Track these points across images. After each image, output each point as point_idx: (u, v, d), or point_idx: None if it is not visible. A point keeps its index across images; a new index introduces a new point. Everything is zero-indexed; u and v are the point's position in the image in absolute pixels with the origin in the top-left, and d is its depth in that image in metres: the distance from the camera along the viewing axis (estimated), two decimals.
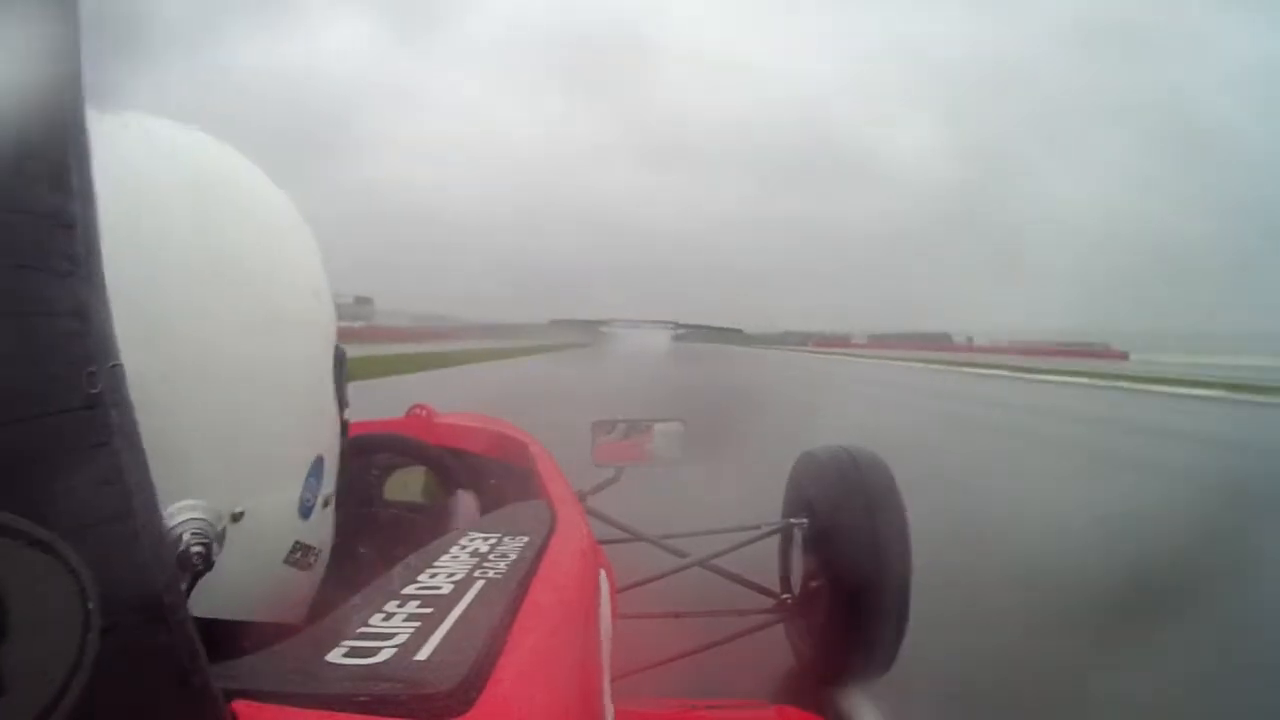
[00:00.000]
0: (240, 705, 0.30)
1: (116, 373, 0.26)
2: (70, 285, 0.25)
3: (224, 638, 0.39)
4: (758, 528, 1.95)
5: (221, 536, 0.43)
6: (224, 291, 0.45)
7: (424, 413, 1.46)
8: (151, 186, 0.43)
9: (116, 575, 0.24)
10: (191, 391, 0.42)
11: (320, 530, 0.54)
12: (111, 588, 0.24)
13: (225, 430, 0.44)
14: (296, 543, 0.51)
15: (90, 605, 0.23)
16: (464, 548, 0.55)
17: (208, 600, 0.42)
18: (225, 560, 0.43)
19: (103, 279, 0.26)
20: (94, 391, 0.25)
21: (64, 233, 0.24)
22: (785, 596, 1.88)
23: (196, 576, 0.41)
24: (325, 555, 0.57)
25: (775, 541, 1.98)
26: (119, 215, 0.40)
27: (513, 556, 0.53)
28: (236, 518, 0.44)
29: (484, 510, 0.88)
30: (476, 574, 0.49)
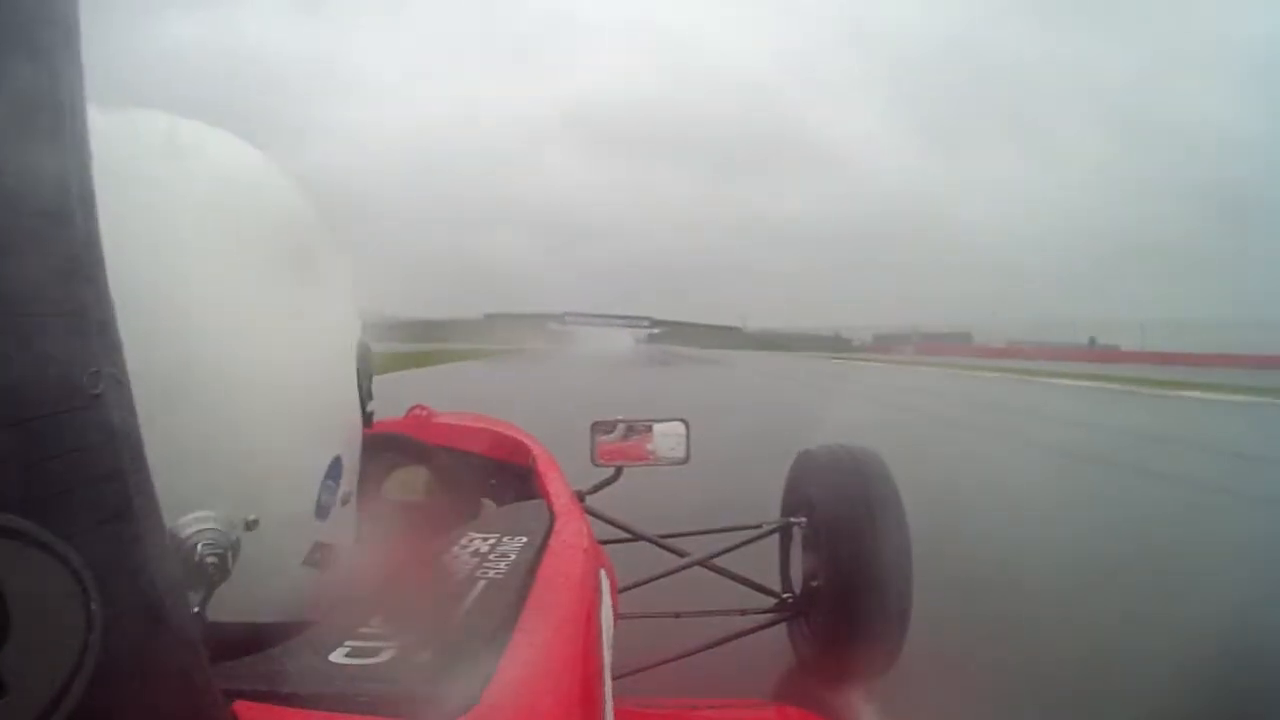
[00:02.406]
0: (242, 706, 0.30)
1: (118, 373, 0.25)
2: (71, 284, 0.24)
3: (226, 638, 0.39)
4: (758, 526, 1.95)
5: (236, 545, 0.43)
6: (245, 298, 0.44)
7: (424, 412, 1.46)
8: (173, 188, 0.43)
9: (118, 576, 0.24)
10: (205, 402, 0.42)
11: (340, 528, 0.54)
12: (113, 589, 0.24)
13: (238, 441, 0.44)
14: (316, 544, 0.51)
15: (92, 606, 0.23)
16: (464, 548, 0.55)
17: (227, 606, 0.42)
18: (242, 566, 0.43)
19: (104, 278, 0.26)
20: (95, 392, 0.24)
21: (64, 231, 0.24)
22: (786, 596, 1.88)
23: (213, 586, 0.41)
24: (347, 552, 0.57)
25: (777, 541, 1.98)
26: (137, 216, 0.40)
27: (513, 556, 0.53)
28: (250, 525, 0.44)
29: (483, 510, 0.88)
30: (477, 574, 0.49)
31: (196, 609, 0.41)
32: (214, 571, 0.41)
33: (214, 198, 0.45)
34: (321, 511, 0.51)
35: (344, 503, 0.54)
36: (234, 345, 0.44)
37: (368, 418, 0.59)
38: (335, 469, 0.52)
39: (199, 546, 0.41)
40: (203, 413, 0.42)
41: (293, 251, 0.49)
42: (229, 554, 0.42)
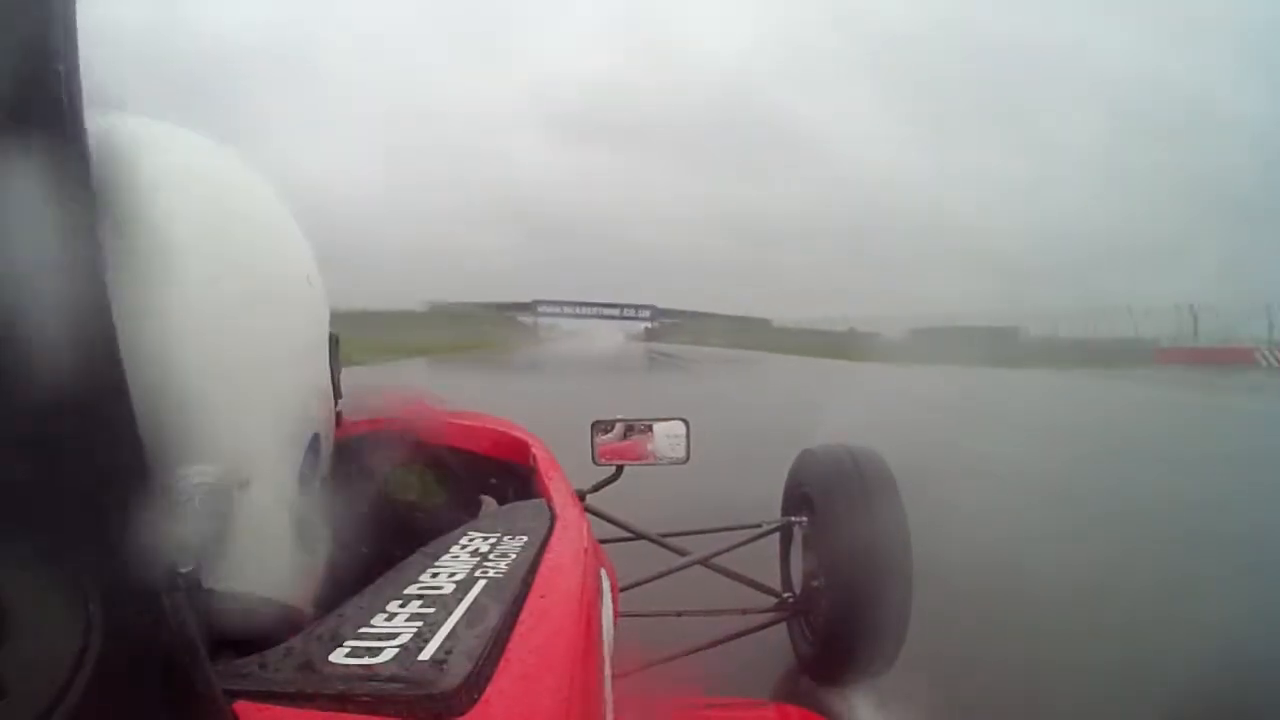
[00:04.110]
0: (242, 706, 0.30)
1: (118, 372, 0.25)
2: (71, 284, 0.24)
3: (225, 637, 0.39)
4: (759, 526, 1.95)
5: (231, 506, 0.44)
6: (227, 275, 0.46)
7: (423, 410, 1.45)
8: (150, 182, 0.44)
9: (117, 576, 0.24)
10: (198, 362, 0.43)
11: (319, 509, 0.56)
12: (112, 589, 0.24)
13: (231, 401, 0.45)
14: (298, 519, 0.52)
15: (91, 606, 0.23)
16: (464, 547, 0.55)
17: (215, 575, 0.42)
18: (236, 534, 0.43)
19: (105, 278, 0.26)
20: (95, 391, 0.24)
21: (63, 230, 0.24)
22: (786, 595, 1.88)
23: (208, 543, 0.41)
24: (324, 537, 0.58)
25: (777, 540, 1.98)
26: (122, 210, 0.41)
27: (513, 556, 0.53)
28: (243, 485, 0.45)
29: (484, 509, 0.88)
30: (478, 573, 0.49)
31: (189, 569, 0.41)
32: (212, 528, 0.41)
33: (194, 195, 0.47)
34: (305, 487, 0.53)
35: (322, 483, 0.56)
36: (220, 315, 0.45)
37: (337, 414, 0.61)
38: (316, 445, 0.54)
39: (198, 500, 0.41)
40: (195, 373, 0.43)
41: (264, 237, 0.52)
42: (226, 512, 0.43)
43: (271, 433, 0.49)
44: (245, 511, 0.45)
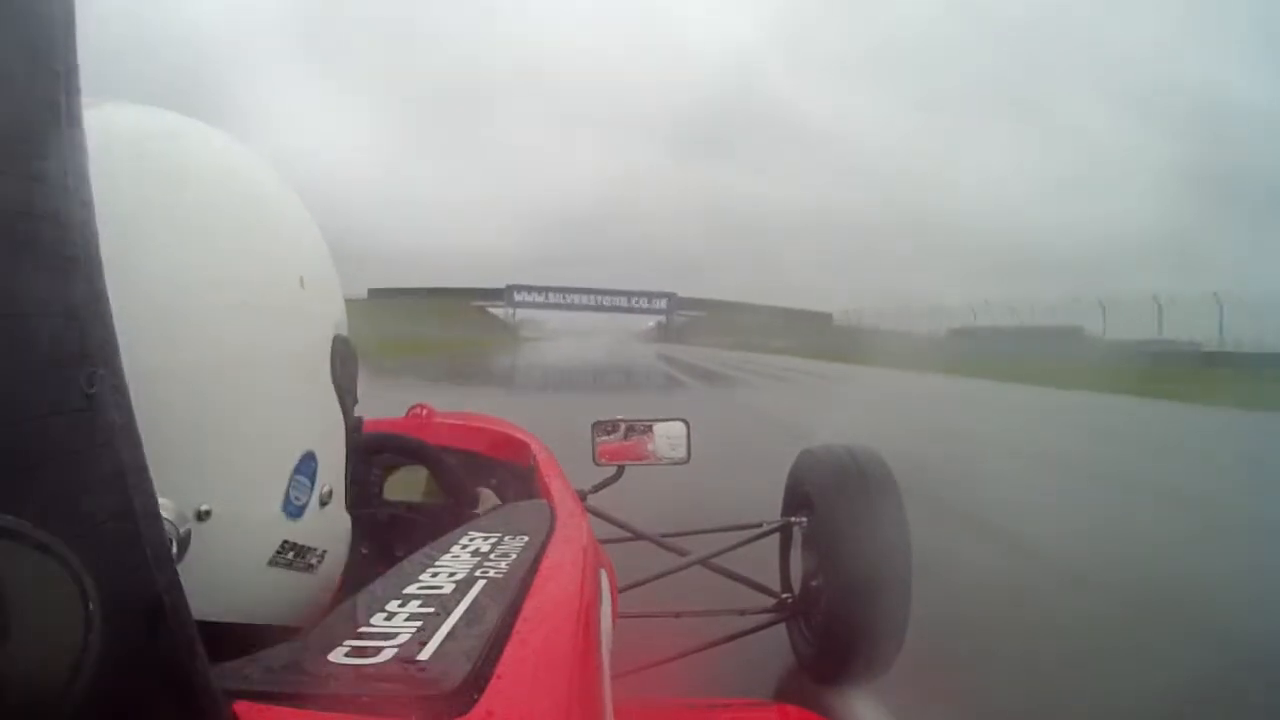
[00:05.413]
0: (241, 706, 0.30)
1: (116, 372, 0.25)
2: (69, 284, 0.24)
3: (226, 638, 0.39)
4: (759, 525, 1.96)
5: (186, 537, 0.41)
6: (186, 282, 0.42)
7: (424, 412, 1.46)
8: (109, 174, 0.41)
9: (117, 576, 0.24)
10: (149, 384, 0.38)
11: (320, 529, 0.52)
12: (112, 589, 0.24)
13: (186, 425, 0.42)
14: (285, 543, 0.49)
15: (91, 606, 0.23)
16: (465, 547, 0.55)
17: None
18: (200, 561, 0.41)
19: (102, 278, 0.26)
20: (92, 391, 0.24)
21: (61, 231, 0.24)
22: (786, 595, 1.88)
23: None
24: (336, 555, 0.55)
25: (777, 540, 1.98)
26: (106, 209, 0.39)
27: (513, 556, 0.53)
28: (202, 516, 0.42)
29: (485, 510, 0.88)
30: (478, 573, 0.49)
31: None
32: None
33: (154, 181, 0.43)
34: (292, 509, 0.49)
35: (323, 503, 0.52)
36: (184, 327, 0.42)
37: (356, 420, 0.58)
38: (307, 465, 0.50)
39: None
40: (150, 394, 0.38)
41: (251, 238, 0.47)
42: (174, 543, 0.40)
43: (239, 460, 0.45)
44: (211, 542, 0.42)
